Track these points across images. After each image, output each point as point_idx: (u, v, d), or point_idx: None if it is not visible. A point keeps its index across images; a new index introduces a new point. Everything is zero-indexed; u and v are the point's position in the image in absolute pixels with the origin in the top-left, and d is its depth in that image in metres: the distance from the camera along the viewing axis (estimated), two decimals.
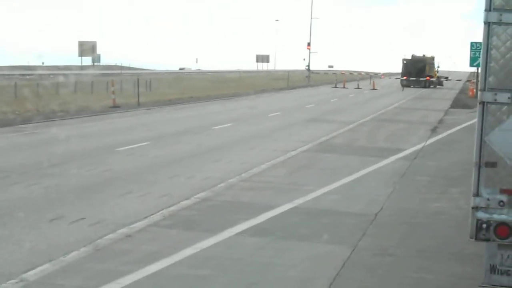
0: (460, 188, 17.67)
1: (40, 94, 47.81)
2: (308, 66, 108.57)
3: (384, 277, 10.88)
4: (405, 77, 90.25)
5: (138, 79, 49.53)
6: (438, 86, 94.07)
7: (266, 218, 14.34)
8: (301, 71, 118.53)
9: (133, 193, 16.81)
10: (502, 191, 8.42)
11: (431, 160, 23.60)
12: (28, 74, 64.78)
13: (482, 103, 8.40)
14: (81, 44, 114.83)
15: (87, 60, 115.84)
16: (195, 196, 16.37)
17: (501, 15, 8.28)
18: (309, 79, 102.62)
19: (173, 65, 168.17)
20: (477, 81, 48.91)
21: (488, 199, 8.46)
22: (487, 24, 8.34)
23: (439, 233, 13.70)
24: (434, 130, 34.06)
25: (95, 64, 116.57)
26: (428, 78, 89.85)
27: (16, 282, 10.14)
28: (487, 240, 8.54)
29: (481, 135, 8.42)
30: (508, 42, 8.29)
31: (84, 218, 14.12)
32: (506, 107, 8.34)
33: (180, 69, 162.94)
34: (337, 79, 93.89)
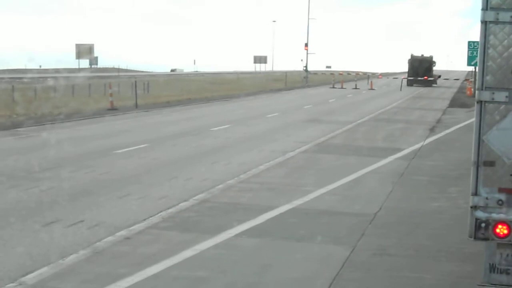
0: (458, 188, 17.67)
1: (37, 97, 47.79)
2: (306, 66, 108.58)
3: (383, 277, 10.87)
4: (411, 77, 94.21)
5: (135, 81, 49.54)
6: (433, 85, 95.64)
7: (265, 219, 14.33)
8: (298, 72, 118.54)
9: (131, 195, 16.80)
10: (501, 190, 8.42)
11: (429, 159, 23.60)
12: (25, 78, 64.72)
13: (480, 102, 8.41)
14: (78, 47, 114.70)
15: (84, 63, 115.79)
16: (193, 198, 16.37)
17: (498, 14, 8.29)
18: (307, 79, 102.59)
19: (170, 67, 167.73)
20: (475, 80, 48.91)
21: (486, 198, 8.46)
22: (484, 23, 8.34)
23: (438, 232, 13.70)
24: (432, 130, 34.07)
25: (93, 66, 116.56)
26: (425, 78, 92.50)
27: (15, 286, 10.13)
28: (486, 239, 8.54)
29: (479, 134, 8.42)
30: (505, 41, 8.29)
31: (83, 221, 14.11)
32: (503, 106, 8.33)
33: (172, 70, 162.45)
34: (335, 80, 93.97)
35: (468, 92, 64.09)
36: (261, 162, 22.09)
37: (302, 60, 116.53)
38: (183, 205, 15.70)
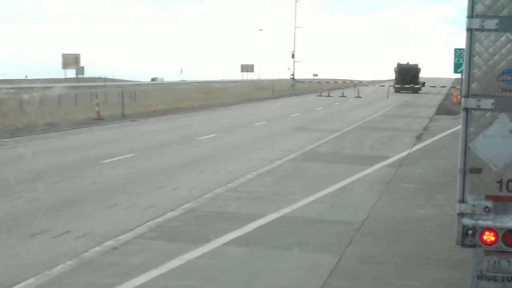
0: (445, 195, 17.70)
1: (22, 107, 47.62)
2: (293, 75, 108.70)
3: (371, 285, 10.87)
4: (398, 85, 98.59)
5: (122, 91, 49.44)
6: (419, 91, 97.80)
7: (252, 228, 14.32)
8: (285, 80, 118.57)
9: (118, 205, 16.75)
10: (487, 197, 8.44)
11: (416, 167, 23.64)
12: (10, 88, 64.46)
13: (466, 109, 8.42)
14: (65, 57, 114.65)
15: (71, 73, 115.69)
16: (181, 207, 16.33)
17: (483, 21, 8.31)
18: (293, 88, 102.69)
19: (160, 76, 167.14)
20: (461, 87, 49.04)
21: (473, 205, 8.47)
22: (470, 30, 8.36)
23: (425, 240, 13.71)
24: (419, 137, 34.14)
25: (79, 76, 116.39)
26: (412, 85, 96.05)
27: None
28: (473, 246, 8.55)
29: (466, 141, 8.43)
30: (491, 48, 8.31)
31: (70, 231, 14.05)
32: (489, 113, 8.36)
33: (152, 79, 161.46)
34: (322, 88, 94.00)
35: (455, 99, 64.21)
36: (249, 171, 22.07)
37: (289, 68, 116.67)
38: (171, 214, 15.66)
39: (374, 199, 17.69)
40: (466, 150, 8.44)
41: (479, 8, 8.33)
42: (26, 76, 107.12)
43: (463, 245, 8.55)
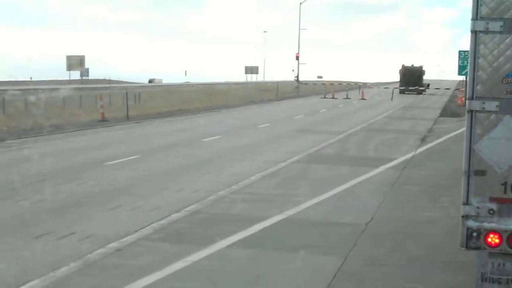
0: (450, 197, 17.67)
1: (27, 109, 47.66)
2: (297, 77, 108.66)
3: (375, 287, 10.86)
4: (403, 86, 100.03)
5: (126, 93, 49.48)
6: (423, 93, 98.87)
7: (257, 230, 14.31)
8: (290, 82, 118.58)
9: (123, 207, 16.76)
10: (492, 200, 8.43)
11: (421, 169, 23.62)
12: (15, 90, 64.48)
13: (471, 111, 8.41)
14: (69, 58, 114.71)
15: (75, 74, 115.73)
16: (185, 209, 16.33)
17: (487, 23, 8.30)
18: (298, 90, 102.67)
19: (165, 79, 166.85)
20: (466, 89, 48.97)
21: (478, 208, 8.46)
22: (474, 32, 8.35)
23: (430, 242, 13.69)
24: (423, 139, 34.09)
25: (84, 78, 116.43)
26: (417, 87, 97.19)
27: None
28: (478, 248, 8.53)
29: (470, 143, 8.42)
30: (495, 51, 8.31)
31: (74, 233, 14.06)
32: (494, 115, 8.35)
33: (150, 81, 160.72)
34: (326, 90, 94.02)
35: (459, 101, 64.14)
36: (253, 173, 22.06)
37: (293, 70, 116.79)
38: (175, 216, 15.66)
39: (378, 201, 17.68)
40: (470, 152, 8.43)
41: (483, 10, 8.32)
42: (31, 78, 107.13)
43: (467, 247, 8.54)
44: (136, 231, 14.17)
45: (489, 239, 8.45)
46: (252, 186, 19.88)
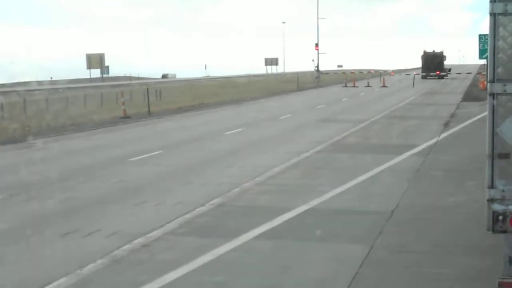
0: (475, 181, 17.59)
1: (49, 108, 47.91)
2: (317, 67, 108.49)
3: (403, 274, 10.84)
4: (425, 72, 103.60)
5: (147, 89, 49.64)
6: (445, 77, 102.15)
7: (282, 221, 14.32)
8: (310, 72, 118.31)
9: (147, 203, 16.82)
10: None
11: (445, 154, 23.53)
12: (37, 90, 64.81)
13: (492, 94, 8.34)
14: (89, 57, 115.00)
15: (95, 72, 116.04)
16: (210, 203, 16.36)
17: (506, 5, 8.23)
18: (318, 79, 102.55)
19: (185, 73, 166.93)
20: (487, 73, 48.71)
21: (503, 191, 8.40)
22: (493, 15, 8.28)
23: (456, 227, 13.65)
24: (446, 125, 33.97)
25: (104, 75, 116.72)
26: (438, 72, 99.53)
27: None
28: (504, 231, 8.47)
29: (493, 126, 8.35)
30: None
31: (100, 230, 14.12)
32: None
33: (163, 76, 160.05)
34: (347, 78, 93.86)
35: (481, 86, 63.80)
36: (276, 164, 22.06)
37: (313, 60, 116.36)
38: (200, 210, 15.70)
39: (403, 188, 17.63)
40: (493, 135, 8.36)
41: None
42: (51, 78, 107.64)
43: (494, 231, 8.48)
44: (161, 226, 14.21)
45: None
46: (275, 177, 19.88)
